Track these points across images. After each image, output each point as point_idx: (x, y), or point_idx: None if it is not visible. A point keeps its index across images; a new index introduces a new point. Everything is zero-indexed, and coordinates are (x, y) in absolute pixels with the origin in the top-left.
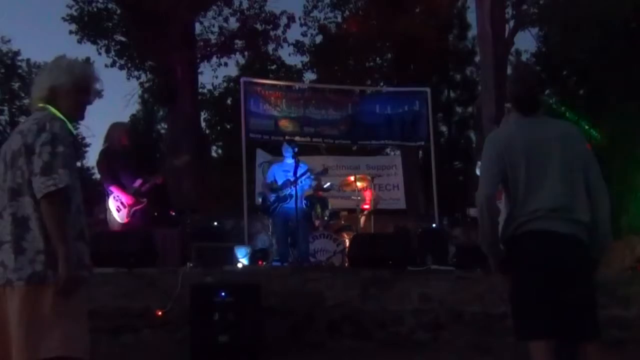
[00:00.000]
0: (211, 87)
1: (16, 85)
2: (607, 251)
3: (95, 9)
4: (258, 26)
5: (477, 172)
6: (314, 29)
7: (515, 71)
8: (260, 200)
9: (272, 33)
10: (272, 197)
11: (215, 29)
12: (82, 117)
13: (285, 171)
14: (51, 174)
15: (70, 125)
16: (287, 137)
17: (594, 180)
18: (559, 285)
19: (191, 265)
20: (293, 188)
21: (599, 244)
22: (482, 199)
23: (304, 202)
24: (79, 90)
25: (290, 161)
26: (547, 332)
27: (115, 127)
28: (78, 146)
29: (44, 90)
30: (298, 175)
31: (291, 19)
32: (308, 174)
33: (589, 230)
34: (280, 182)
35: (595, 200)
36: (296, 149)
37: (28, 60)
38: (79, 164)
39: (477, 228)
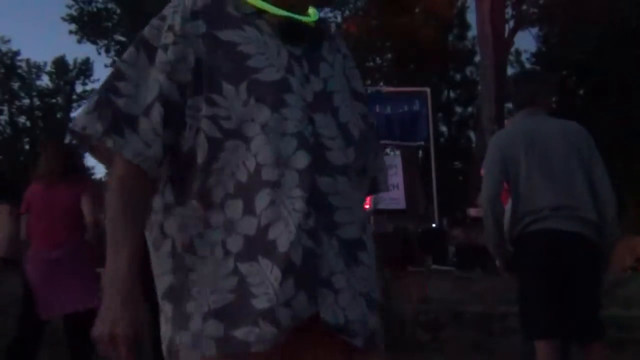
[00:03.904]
0: None
1: (16, 85)
2: (615, 249)
3: (95, 9)
4: None
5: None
6: None
7: (521, 70)
8: None
9: None
10: None
11: None
12: None
13: None
14: None
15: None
16: None
17: (598, 178)
18: (564, 285)
19: None
20: None
21: (607, 242)
22: (485, 200)
23: None
24: None
25: None
26: (553, 331)
27: None
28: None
29: None
30: None
31: None
32: None
33: (596, 228)
34: None
35: (601, 198)
36: None
37: (28, 60)
38: None
39: (478, 228)
